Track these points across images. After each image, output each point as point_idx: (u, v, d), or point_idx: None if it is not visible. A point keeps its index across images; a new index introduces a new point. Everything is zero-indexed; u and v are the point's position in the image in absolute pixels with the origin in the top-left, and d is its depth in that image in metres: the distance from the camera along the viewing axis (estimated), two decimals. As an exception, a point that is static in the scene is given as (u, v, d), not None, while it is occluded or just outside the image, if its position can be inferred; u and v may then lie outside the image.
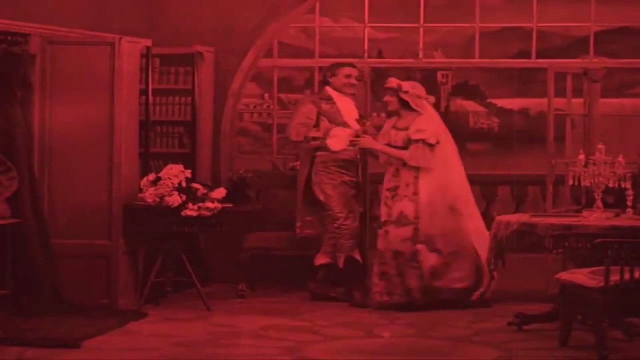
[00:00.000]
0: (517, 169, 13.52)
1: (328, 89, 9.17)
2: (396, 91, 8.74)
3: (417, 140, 8.62)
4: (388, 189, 8.74)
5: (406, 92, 8.72)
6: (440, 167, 8.67)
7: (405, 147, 8.67)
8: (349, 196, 9.02)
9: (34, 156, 8.45)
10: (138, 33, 9.10)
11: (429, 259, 8.55)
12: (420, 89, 8.81)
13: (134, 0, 10.03)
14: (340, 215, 8.94)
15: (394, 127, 8.80)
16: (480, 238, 8.62)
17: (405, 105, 8.74)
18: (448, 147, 8.83)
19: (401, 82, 8.79)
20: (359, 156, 9.12)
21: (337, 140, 8.92)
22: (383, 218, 8.75)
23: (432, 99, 8.88)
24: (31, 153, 8.41)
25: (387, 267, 8.62)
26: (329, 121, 9.00)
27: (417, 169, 8.62)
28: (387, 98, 8.84)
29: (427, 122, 8.69)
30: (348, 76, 9.09)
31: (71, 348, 7.15)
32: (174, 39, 9.87)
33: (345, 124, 8.94)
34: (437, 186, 8.63)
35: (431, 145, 8.63)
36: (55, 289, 8.26)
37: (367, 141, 8.88)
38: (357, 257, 8.99)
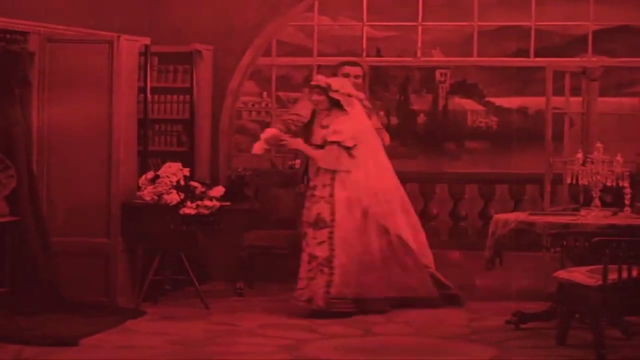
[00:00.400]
0: (515, 168, 13.53)
1: None
2: (325, 90, 8.48)
3: (332, 142, 8.40)
4: (310, 188, 8.52)
5: (336, 90, 8.45)
6: (360, 170, 8.41)
7: (323, 146, 8.49)
8: None
9: (32, 154, 8.45)
10: (137, 31, 9.10)
11: (343, 266, 8.25)
12: (348, 87, 8.54)
13: (132, -1, 10.03)
14: None
15: (320, 125, 8.59)
16: (417, 245, 8.52)
17: (335, 104, 8.48)
18: (371, 149, 8.54)
19: (329, 80, 8.53)
20: None
21: (259, 143, 8.72)
22: (303, 218, 8.52)
23: (362, 95, 8.65)
24: (30, 151, 8.41)
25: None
26: None
27: (334, 170, 8.39)
28: (315, 97, 8.54)
29: (347, 123, 8.43)
30: (346, 75, 9.01)
31: (69, 346, 7.15)
32: (172, 37, 9.87)
33: None
34: (356, 189, 8.36)
35: (348, 148, 8.38)
36: (53, 287, 8.26)
37: (293, 142, 8.67)
38: None
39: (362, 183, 8.41)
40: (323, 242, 8.32)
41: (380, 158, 8.62)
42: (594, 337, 6.91)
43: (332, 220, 8.33)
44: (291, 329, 7.80)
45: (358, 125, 8.51)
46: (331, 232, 8.32)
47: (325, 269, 8.28)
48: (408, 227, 8.58)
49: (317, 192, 8.43)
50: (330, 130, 8.44)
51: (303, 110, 8.89)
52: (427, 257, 8.67)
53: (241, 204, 9.50)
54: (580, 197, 9.23)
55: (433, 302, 8.49)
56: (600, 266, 6.86)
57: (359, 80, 9.00)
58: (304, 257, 8.40)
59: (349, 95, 8.50)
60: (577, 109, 9.79)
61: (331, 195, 8.37)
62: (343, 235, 8.30)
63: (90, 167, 8.57)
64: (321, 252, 8.31)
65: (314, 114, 8.88)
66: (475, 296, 9.03)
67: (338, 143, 8.40)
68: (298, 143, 8.69)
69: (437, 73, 16.60)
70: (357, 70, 9.02)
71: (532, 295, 8.67)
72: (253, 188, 9.88)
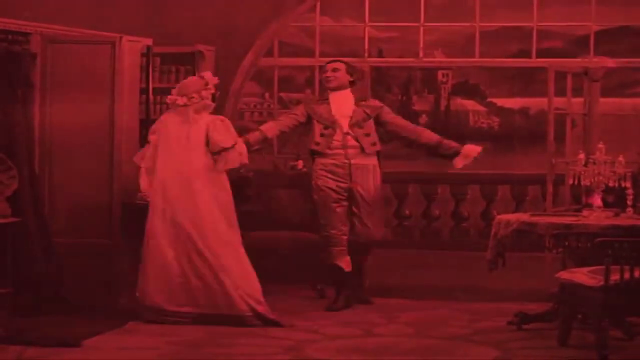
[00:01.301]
0: (517, 168, 13.56)
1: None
2: None
3: None
4: None
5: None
6: (160, 175, 8.05)
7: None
8: (329, 202, 8.61)
9: (34, 155, 8.47)
10: (139, 32, 9.11)
11: (144, 274, 7.97)
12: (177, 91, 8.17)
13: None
14: (322, 222, 8.64)
15: None
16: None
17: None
18: (168, 149, 8.07)
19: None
20: (351, 161, 8.66)
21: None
22: None
23: (209, 105, 8.15)
24: (32, 152, 8.43)
25: None
26: (318, 122, 8.79)
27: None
28: None
29: (160, 121, 8.24)
30: (324, 71, 8.91)
31: (71, 347, 7.15)
32: (174, 38, 9.88)
33: (335, 123, 8.72)
34: (156, 193, 8.03)
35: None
36: (55, 287, 8.27)
37: None
38: (342, 265, 8.61)
39: (163, 189, 8.04)
40: None
41: (172, 164, 8.07)
42: (596, 338, 6.91)
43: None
44: (292, 330, 7.80)
45: (160, 125, 8.17)
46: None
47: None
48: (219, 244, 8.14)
49: None
50: None
51: (300, 110, 8.82)
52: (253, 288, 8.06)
53: (243, 205, 9.48)
54: (583, 198, 9.22)
55: (242, 320, 7.91)
56: (603, 267, 6.86)
57: (337, 74, 8.79)
58: None
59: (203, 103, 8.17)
60: (579, 109, 9.78)
61: None
62: (147, 239, 8.01)
63: (92, 168, 8.57)
64: None
65: (309, 119, 8.77)
66: (477, 297, 9.03)
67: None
68: None
69: (439, 74, 16.64)
70: (335, 65, 8.84)
71: (534, 296, 8.67)
72: (255, 189, 9.87)
